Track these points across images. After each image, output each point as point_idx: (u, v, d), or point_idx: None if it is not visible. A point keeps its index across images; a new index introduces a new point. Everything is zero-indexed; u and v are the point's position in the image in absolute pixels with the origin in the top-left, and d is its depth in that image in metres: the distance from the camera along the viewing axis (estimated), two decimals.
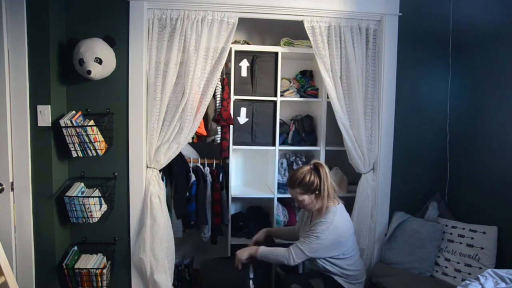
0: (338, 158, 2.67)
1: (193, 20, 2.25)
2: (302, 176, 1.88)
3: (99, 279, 2.15)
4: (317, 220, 1.89)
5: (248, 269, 2.01)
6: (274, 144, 2.60)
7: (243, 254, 1.96)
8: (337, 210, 1.90)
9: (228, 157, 2.55)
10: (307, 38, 2.36)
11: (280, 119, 2.62)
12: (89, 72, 1.96)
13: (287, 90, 2.64)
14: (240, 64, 2.54)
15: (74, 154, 2.08)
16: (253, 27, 2.85)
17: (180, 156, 2.46)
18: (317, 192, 1.89)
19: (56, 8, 2.08)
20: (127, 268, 2.35)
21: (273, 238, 2.28)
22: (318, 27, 2.33)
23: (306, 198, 1.91)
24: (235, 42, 2.57)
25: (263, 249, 1.95)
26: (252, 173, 2.96)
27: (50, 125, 2.04)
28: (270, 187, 2.77)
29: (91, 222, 2.11)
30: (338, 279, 1.93)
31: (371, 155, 2.44)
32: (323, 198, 1.89)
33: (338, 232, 1.86)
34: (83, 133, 2.02)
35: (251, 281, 1.99)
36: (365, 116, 2.40)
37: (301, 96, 2.65)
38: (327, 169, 1.92)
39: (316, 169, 1.91)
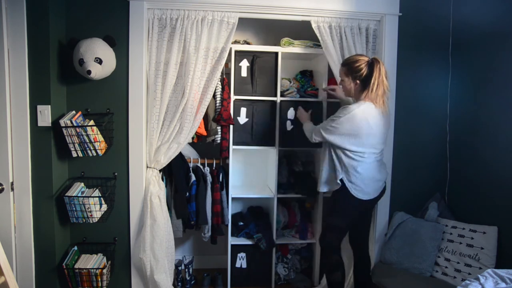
0: None
1: (193, 20, 2.25)
2: (355, 60, 1.94)
3: (99, 279, 2.15)
4: (342, 107, 1.96)
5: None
6: (274, 144, 2.61)
7: (302, 117, 2.37)
8: (363, 104, 1.90)
9: (228, 157, 2.55)
10: (307, 38, 2.36)
11: None
12: (89, 72, 1.96)
13: (287, 90, 2.64)
14: (240, 64, 2.54)
15: (74, 154, 2.08)
16: (253, 27, 2.86)
17: (180, 156, 2.46)
18: (358, 81, 1.92)
19: (56, 8, 2.08)
20: (127, 268, 2.35)
21: None
22: (322, 27, 2.33)
23: (346, 80, 1.97)
24: (235, 42, 2.57)
25: (305, 123, 2.28)
26: (252, 173, 2.96)
27: (50, 125, 2.04)
28: (270, 187, 2.77)
29: (91, 222, 2.10)
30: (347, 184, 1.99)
31: None
32: (361, 93, 1.92)
33: (355, 123, 1.89)
34: (83, 133, 2.02)
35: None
36: None
37: (301, 96, 2.65)
38: (383, 68, 1.90)
39: (372, 63, 1.90)
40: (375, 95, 1.90)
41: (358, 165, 1.96)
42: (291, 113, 2.61)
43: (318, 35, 2.35)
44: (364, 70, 1.90)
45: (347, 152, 1.96)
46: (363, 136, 1.92)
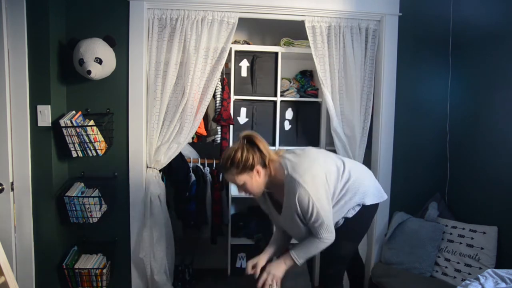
0: None
1: (193, 20, 2.25)
2: (233, 153, 1.56)
3: (99, 279, 2.15)
4: (287, 192, 1.56)
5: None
6: (274, 144, 2.61)
7: (279, 271, 1.64)
8: (290, 172, 1.55)
9: None
10: (307, 38, 2.36)
11: None
12: (89, 72, 1.96)
13: (287, 90, 2.64)
14: (240, 64, 2.54)
15: (74, 154, 2.08)
16: (253, 27, 2.86)
17: (180, 156, 2.46)
18: (258, 167, 1.57)
19: (56, 8, 2.08)
20: (127, 268, 2.35)
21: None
22: (319, 27, 2.33)
23: (247, 179, 1.58)
24: (235, 42, 2.57)
25: (297, 254, 1.63)
26: None
27: (50, 125, 2.04)
28: None
29: (91, 222, 2.10)
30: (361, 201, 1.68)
31: (361, 155, 2.43)
32: (270, 168, 1.60)
33: (320, 185, 1.56)
34: (83, 133, 2.02)
35: None
36: (360, 117, 2.40)
37: (301, 96, 2.66)
38: (259, 136, 1.63)
39: (250, 141, 1.60)
40: (274, 156, 1.64)
41: (362, 175, 1.72)
42: (289, 113, 2.62)
43: (310, 35, 2.32)
44: (251, 155, 1.56)
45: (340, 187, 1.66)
46: (328, 161, 1.66)
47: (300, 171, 1.55)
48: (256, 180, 1.60)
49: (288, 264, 1.65)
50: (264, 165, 1.60)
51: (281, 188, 1.61)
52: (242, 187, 1.63)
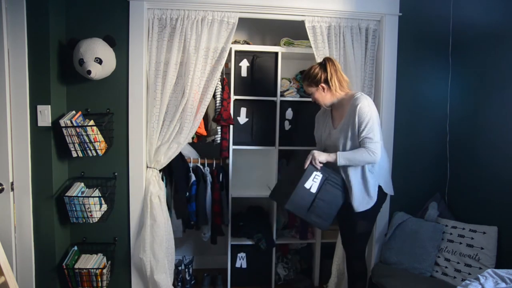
0: None
1: (193, 20, 2.25)
2: (309, 69, 1.97)
3: (99, 279, 2.15)
4: (350, 109, 1.85)
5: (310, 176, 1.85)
6: (274, 144, 2.61)
7: (321, 156, 1.86)
8: (360, 94, 1.87)
9: (228, 157, 2.55)
10: (307, 38, 2.36)
11: None
12: (89, 72, 1.96)
13: (287, 90, 2.64)
14: (240, 64, 2.54)
15: (74, 154, 2.08)
16: (253, 27, 2.86)
17: (180, 156, 2.46)
18: (323, 85, 1.92)
19: (56, 8, 2.08)
20: (127, 268, 2.35)
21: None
22: (319, 27, 2.33)
23: (314, 91, 1.95)
24: (235, 42, 2.57)
25: (342, 154, 1.84)
26: (252, 173, 2.96)
27: (50, 125, 2.04)
28: (270, 187, 2.77)
29: (91, 222, 2.10)
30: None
31: None
32: (333, 91, 1.92)
33: (374, 108, 1.86)
34: (83, 133, 2.02)
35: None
36: None
37: (301, 96, 2.65)
38: (336, 63, 1.94)
39: (324, 63, 1.93)
40: (345, 85, 1.95)
41: (383, 158, 1.93)
42: (289, 113, 2.62)
43: (310, 36, 2.33)
44: (320, 72, 1.92)
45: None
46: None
47: (367, 97, 1.87)
48: (321, 94, 1.95)
49: (332, 157, 1.86)
50: (329, 86, 1.92)
51: (344, 108, 1.93)
52: (312, 97, 2.00)
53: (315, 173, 1.86)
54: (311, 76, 1.93)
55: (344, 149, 1.89)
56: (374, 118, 1.82)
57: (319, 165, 1.86)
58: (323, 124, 2.09)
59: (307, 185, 1.84)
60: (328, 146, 2.02)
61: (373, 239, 2.47)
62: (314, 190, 1.85)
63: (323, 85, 1.92)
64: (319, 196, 1.85)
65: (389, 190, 2.01)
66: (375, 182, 1.92)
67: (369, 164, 1.88)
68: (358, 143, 1.85)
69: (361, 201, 1.90)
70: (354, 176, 1.90)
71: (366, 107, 1.81)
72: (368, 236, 2.06)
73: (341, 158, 1.84)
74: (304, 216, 1.87)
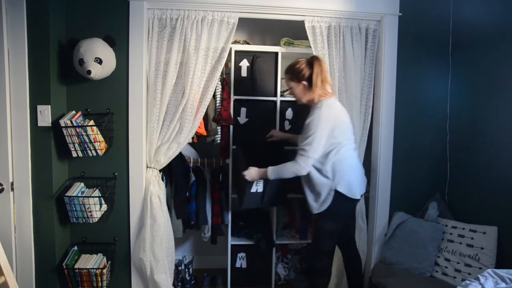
0: None
1: (193, 20, 2.25)
2: (295, 63, 1.96)
3: (99, 279, 2.15)
4: (308, 120, 1.91)
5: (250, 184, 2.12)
6: None
7: (253, 175, 2.02)
8: (324, 104, 1.91)
9: (228, 157, 2.55)
10: (307, 38, 2.36)
11: None
12: (89, 72, 1.96)
13: (287, 90, 2.64)
14: (240, 64, 2.54)
15: (74, 154, 2.08)
16: (253, 27, 2.86)
17: (180, 156, 2.46)
18: (304, 82, 1.93)
19: (56, 8, 2.08)
20: (127, 268, 2.35)
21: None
22: (319, 27, 2.33)
23: (294, 86, 1.98)
24: (235, 42, 2.57)
25: (272, 169, 1.97)
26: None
27: (50, 125, 2.04)
28: None
29: (91, 222, 2.10)
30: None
31: (361, 155, 2.43)
32: (313, 89, 1.91)
33: (330, 124, 1.87)
34: (83, 133, 2.02)
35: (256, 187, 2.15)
36: (360, 117, 2.40)
37: None
38: (324, 65, 1.95)
39: (311, 61, 1.93)
40: (325, 88, 1.95)
41: (345, 159, 1.93)
42: (289, 113, 2.62)
43: (310, 36, 2.33)
44: (306, 69, 1.92)
45: (333, 150, 1.91)
46: (343, 125, 1.95)
47: (326, 108, 1.90)
48: (300, 90, 1.98)
49: (262, 173, 2.01)
50: (310, 84, 1.93)
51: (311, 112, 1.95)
52: (290, 90, 2.04)
53: (256, 181, 2.12)
54: (295, 70, 1.95)
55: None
56: (318, 134, 1.84)
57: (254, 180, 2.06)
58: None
59: (252, 190, 2.16)
60: None
61: (373, 239, 2.47)
62: (260, 189, 2.16)
63: (304, 82, 1.95)
64: (267, 191, 2.18)
65: (351, 193, 1.93)
66: (328, 186, 1.91)
67: (320, 170, 1.92)
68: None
69: (313, 204, 1.97)
70: (304, 180, 2.01)
71: (316, 121, 1.86)
72: (327, 238, 2.02)
73: (271, 172, 1.98)
74: (261, 206, 2.30)
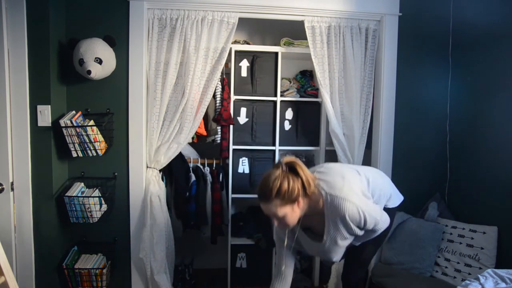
0: (337, 159, 2.66)
1: (193, 20, 2.25)
2: (278, 185, 1.40)
3: (99, 279, 2.15)
4: (332, 219, 1.48)
5: None
6: (274, 144, 2.61)
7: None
8: (328, 195, 1.47)
9: (228, 157, 2.55)
10: (307, 38, 2.36)
11: None
12: (89, 72, 1.96)
13: (287, 90, 2.64)
14: (240, 64, 2.54)
15: (74, 154, 2.08)
16: (253, 27, 2.86)
17: (180, 156, 2.46)
18: (300, 198, 1.46)
19: (56, 8, 2.08)
20: (127, 268, 2.35)
21: None
22: (319, 27, 2.33)
23: (289, 212, 1.45)
24: (235, 42, 2.57)
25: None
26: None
27: (50, 125, 2.04)
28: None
29: (91, 222, 2.10)
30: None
31: (360, 155, 2.43)
32: (309, 198, 1.49)
33: (358, 193, 1.52)
34: (83, 133, 2.02)
35: None
36: (359, 117, 2.40)
37: (301, 96, 2.66)
38: (300, 162, 1.50)
39: (292, 169, 1.46)
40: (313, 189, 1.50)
41: (379, 181, 1.71)
42: (289, 113, 2.62)
43: (309, 36, 2.33)
44: (296, 184, 1.43)
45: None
46: (354, 179, 1.59)
47: (338, 187, 1.48)
48: (296, 212, 1.47)
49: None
50: (305, 195, 1.47)
51: (318, 215, 1.53)
52: (279, 220, 1.48)
53: None
54: (286, 193, 1.41)
55: (344, 246, 1.59)
56: (364, 210, 1.48)
57: None
58: (293, 240, 1.69)
59: None
60: (319, 252, 1.70)
61: None
62: None
63: (300, 199, 1.45)
64: None
65: (394, 202, 1.77)
66: (381, 210, 1.64)
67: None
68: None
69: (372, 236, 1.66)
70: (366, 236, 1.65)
71: (354, 210, 1.46)
72: (370, 261, 1.93)
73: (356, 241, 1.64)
74: None
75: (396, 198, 1.79)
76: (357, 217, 1.47)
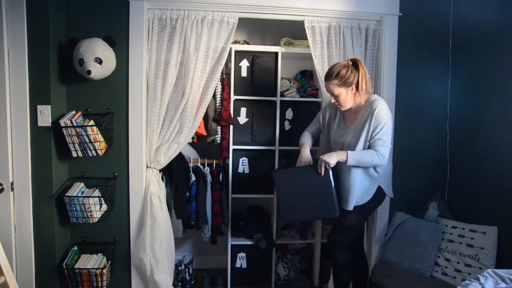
0: None
1: (193, 20, 2.25)
2: (339, 70, 1.89)
3: (99, 279, 2.15)
4: (366, 111, 1.90)
5: (328, 174, 1.94)
6: (274, 144, 2.61)
7: (331, 159, 1.88)
8: (377, 98, 1.92)
9: (228, 157, 2.55)
10: (307, 38, 2.36)
11: None
12: (89, 72, 1.96)
13: (287, 90, 2.64)
14: (240, 64, 2.54)
15: (74, 154, 2.08)
16: (253, 27, 2.86)
17: (180, 156, 2.46)
18: (354, 86, 1.90)
19: (56, 8, 2.08)
20: (127, 268, 2.35)
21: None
22: (318, 27, 2.33)
23: (343, 92, 1.91)
24: (235, 42, 2.57)
25: (352, 155, 1.87)
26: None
27: (50, 125, 2.04)
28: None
29: (91, 222, 2.10)
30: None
31: None
32: (360, 93, 1.91)
33: (389, 112, 1.91)
34: (83, 133, 2.02)
35: (333, 185, 1.95)
36: None
37: (301, 96, 2.66)
38: (364, 64, 1.94)
39: (355, 64, 1.91)
40: (368, 89, 1.96)
41: (388, 162, 1.97)
42: (289, 113, 2.62)
43: (309, 36, 2.33)
44: (353, 74, 1.88)
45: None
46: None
47: (383, 101, 1.92)
48: (348, 95, 1.92)
49: (341, 156, 1.89)
50: (357, 87, 1.91)
51: (358, 110, 1.97)
52: (336, 98, 1.94)
53: (330, 172, 1.95)
54: (343, 76, 1.87)
55: (353, 149, 1.92)
56: (389, 123, 1.88)
57: (323, 170, 1.92)
58: (333, 120, 2.11)
59: (333, 185, 1.97)
60: (336, 142, 2.05)
61: (373, 239, 2.47)
62: (333, 184, 1.97)
63: (354, 86, 1.91)
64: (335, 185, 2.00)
65: (389, 192, 2.08)
66: (376, 182, 1.99)
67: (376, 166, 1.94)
68: (369, 144, 1.90)
69: (358, 199, 1.97)
70: (356, 174, 1.95)
71: (384, 110, 1.87)
72: (354, 231, 2.08)
73: (351, 158, 1.87)
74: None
75: (389, 187, 2.09)
76: (380, 119, 1.85)
